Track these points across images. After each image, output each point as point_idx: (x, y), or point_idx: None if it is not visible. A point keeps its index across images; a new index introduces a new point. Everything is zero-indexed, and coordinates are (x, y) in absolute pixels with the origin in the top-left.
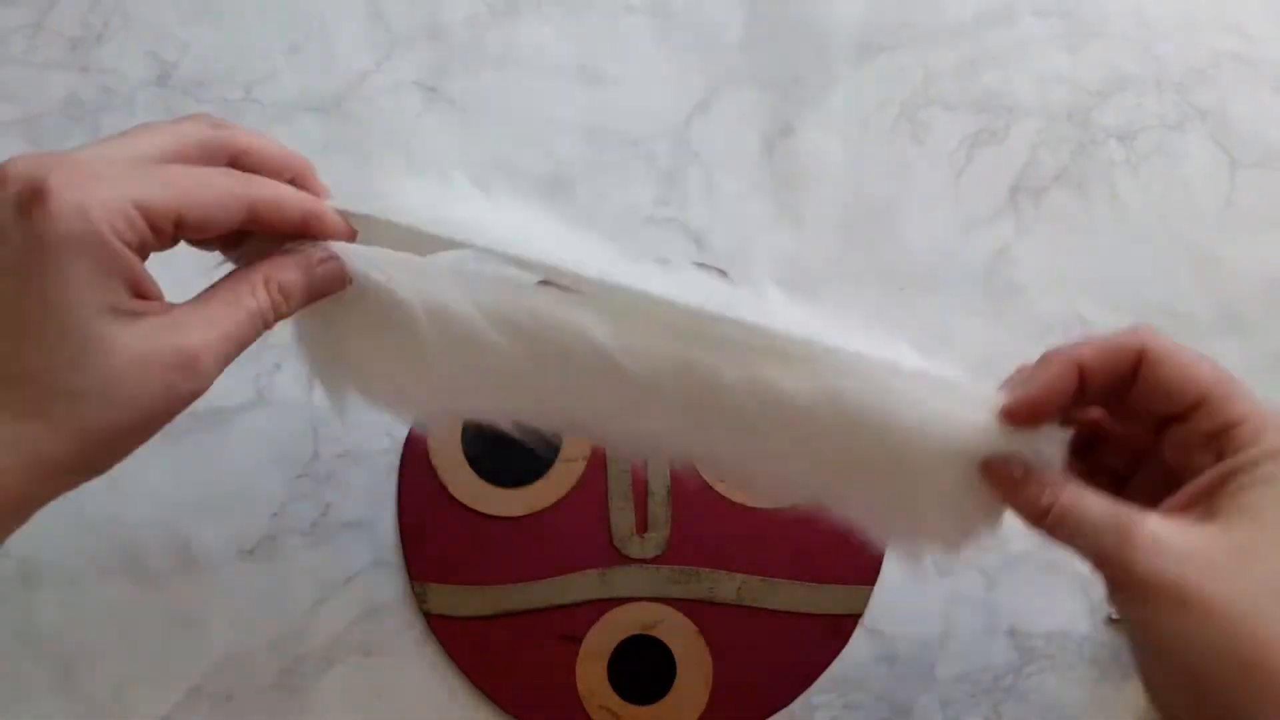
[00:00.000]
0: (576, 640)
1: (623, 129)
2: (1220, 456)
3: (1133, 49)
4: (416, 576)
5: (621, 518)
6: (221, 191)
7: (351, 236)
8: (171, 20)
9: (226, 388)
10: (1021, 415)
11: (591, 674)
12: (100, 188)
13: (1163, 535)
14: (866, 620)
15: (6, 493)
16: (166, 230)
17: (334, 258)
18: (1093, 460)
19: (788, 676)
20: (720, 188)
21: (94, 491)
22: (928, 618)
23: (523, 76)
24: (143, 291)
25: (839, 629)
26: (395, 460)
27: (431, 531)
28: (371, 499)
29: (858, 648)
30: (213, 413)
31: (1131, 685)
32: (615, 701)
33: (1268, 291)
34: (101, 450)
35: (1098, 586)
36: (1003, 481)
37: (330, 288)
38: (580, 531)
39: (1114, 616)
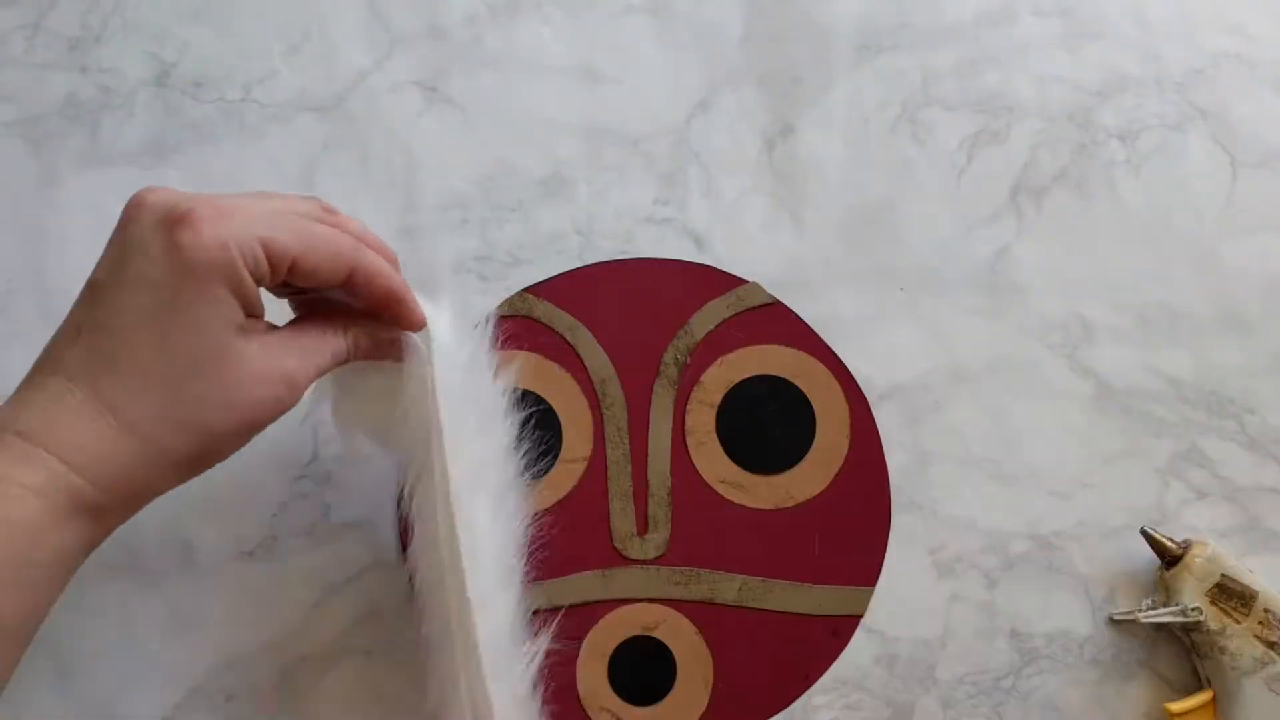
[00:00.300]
0: (577, 641)
1: (623, 129)
2: None
3: (1133, 49)
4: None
5: (622, 519)
6: (335, 249)
7: (422, 325)
8: (171, 20)
9: None
10: None
11: (592, 675)
12: (237, 222)
13: None
14: (867, 621)
15: (130, 483)
16: (281, 271)
17: (399, 339)
18: None
19: (788, 677)
20: (720, 188)
21: None
22: (928, 618)
23: (523, 76)
24: (255, 312)
25: (839, 630)
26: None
27: None
28: (372, 500)
29: (858, 649)
30: None
31: (1133, 687)
32: (616, 703)
33: (1268, 291)
34: (215, 449)
35: (1098, 587)
36: None
37: (386, 356)
38: (580, 533)
39: (1116, 617)
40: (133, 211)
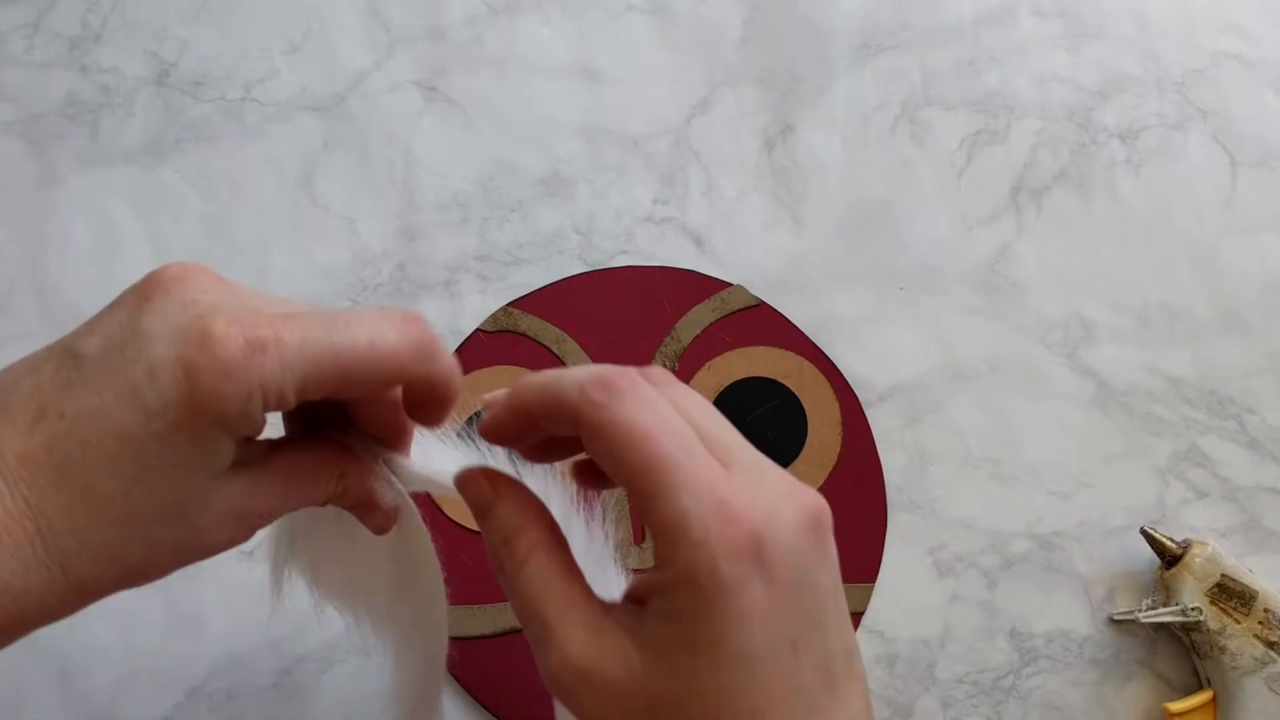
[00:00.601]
0: None
1: (623, 129)
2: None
3: (1133, 49)
4: None
5: (617, 529)
6: (374, 354)
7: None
8: (170, 19)
9: None
10: (487, 428)
11: None
12: (269, 362)
13: (575, 658)
14: (867, 621)
15: (29, 617)
16: (310, 397)
17: (393, 514)
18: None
19: None
20: (720, 188)
21: None
22: (928, 618)
23: (523, 76)
24: (252, 439)
25: None
26: None
27: None
28: None
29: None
30: None
31: (1133, 686)
32: None
33: (1268, 291)
34: (138, 583)
35: (1098, 587)
36: (475, 503)
37: (368, 518)
38: None
39: (1115, 617)
40: (158, 296)
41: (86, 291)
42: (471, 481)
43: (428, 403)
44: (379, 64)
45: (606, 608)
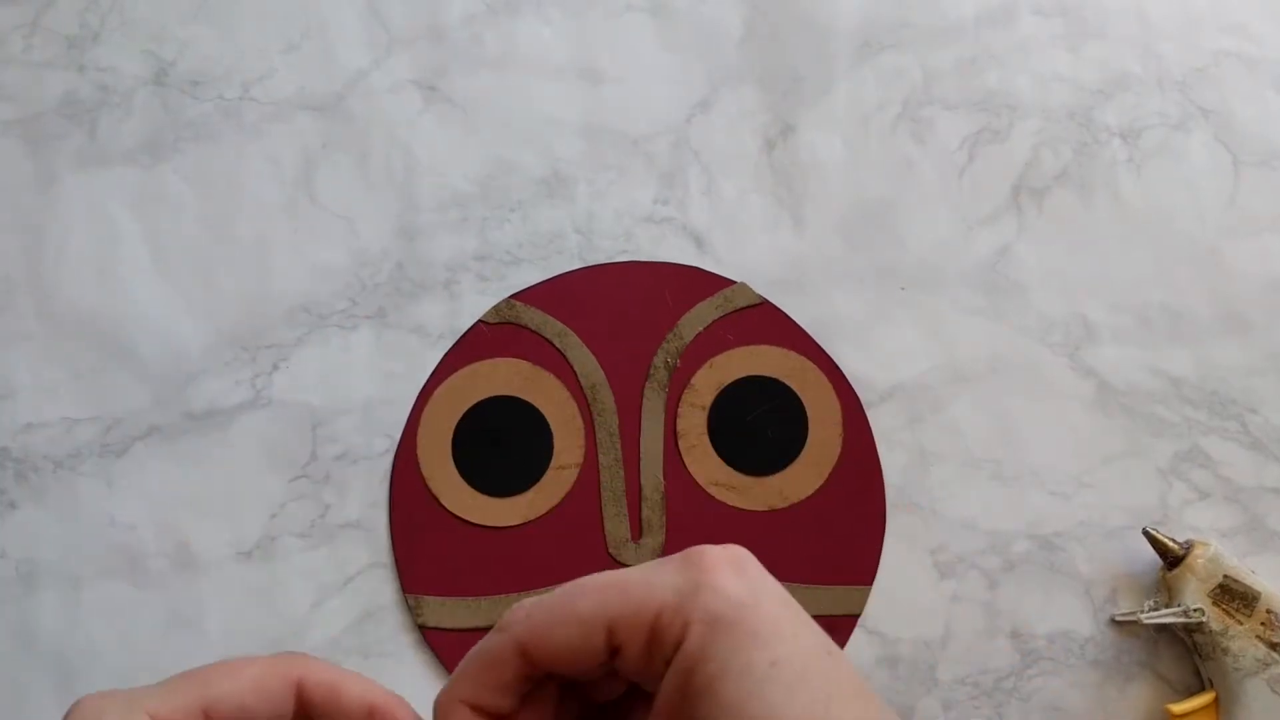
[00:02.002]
0: None
1: (623, 128)
2: (668, 662)
3: (1134, 48)
4: (410, 589)
5: (616, 524)
6: (256, 676)
7: None
8: (169, 19)
9: (224, 389)
10: None
11: None
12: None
13: None
14: (868, 623)
15: None
16: None
17: None
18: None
19: None
20: (720, 188)
21: (92, 493)
22: (929, 619)
23: (522, 76)
24: None
25: (835, 628)
26: (393, 462)
27: (424, 544)
28: (369, 500)
29: (859, 650)
30: (210, 414)
31: (1135, 688)
32: None
33: (1269, 291)
34: None
35: (1100, 588)
36: None
37: None
38: (574, 540)
39: (1117, 618)
40: None
41: (85, 291)
42: None
43: None
44: (378, 63)
45: None
